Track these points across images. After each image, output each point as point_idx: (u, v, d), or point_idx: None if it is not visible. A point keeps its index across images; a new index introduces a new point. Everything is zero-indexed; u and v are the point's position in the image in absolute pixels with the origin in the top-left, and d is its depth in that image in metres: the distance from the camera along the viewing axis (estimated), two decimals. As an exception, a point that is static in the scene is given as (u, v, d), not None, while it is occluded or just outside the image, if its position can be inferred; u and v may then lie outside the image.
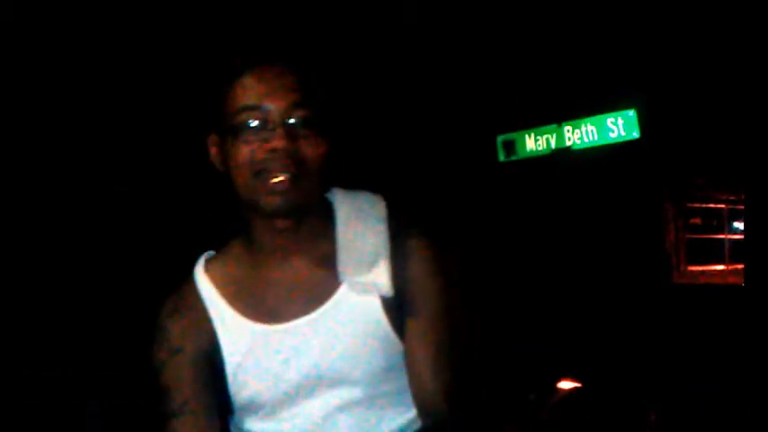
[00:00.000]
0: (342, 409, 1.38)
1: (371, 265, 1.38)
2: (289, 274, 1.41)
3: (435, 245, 1.46)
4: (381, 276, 1.37)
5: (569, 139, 8.64)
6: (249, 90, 1.34)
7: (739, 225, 13.86)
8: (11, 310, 6.06)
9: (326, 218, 1.45)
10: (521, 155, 9.05)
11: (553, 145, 8.77)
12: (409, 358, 1.40)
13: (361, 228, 1.42)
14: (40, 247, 6.55)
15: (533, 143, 8.97)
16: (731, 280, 12.47)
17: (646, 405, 5.27)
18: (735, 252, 13.63)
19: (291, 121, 1.33)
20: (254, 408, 1.41)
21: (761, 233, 7.88)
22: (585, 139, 8.53)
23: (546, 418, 4.94)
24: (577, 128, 8.59)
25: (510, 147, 9.13)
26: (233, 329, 1.40)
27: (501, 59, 8.33)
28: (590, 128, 8.50)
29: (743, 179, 9.17)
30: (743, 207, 12.35)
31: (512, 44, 8.18)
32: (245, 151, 1.33)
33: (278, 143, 1.31)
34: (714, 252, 13.48)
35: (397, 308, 1.38)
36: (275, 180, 1.31)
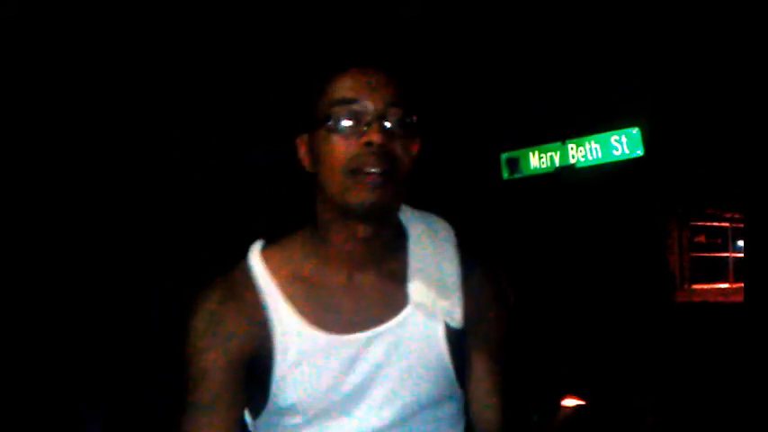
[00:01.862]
0: (383, 428, 1.35)
1: (444, 291, 1.36)
2: (357, 285, 1.38)
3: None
4: (455, 306, 1.36)
5: (573, 156, 8.64)
6: (347, 86, 1.33)
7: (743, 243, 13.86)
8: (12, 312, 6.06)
9: (398, 233, 1.43)
10: (524, 172, 9.05)
11: (557, 163, 8.76)
12: (475, 388, 1.41)
13: (433, 251, 1.41)
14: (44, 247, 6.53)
15: (537, 161, 8.97)
16: (735, 299, 12.42)
17: (649, 422, 5.25)
18: (739, 270, 13.59)
19: (387, 119, 1.31)
20: (293, 412, 1.36)
21: (761, 251, 7.89)
22: (589, 157, 8.53)
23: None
24: (581, 145, 8.59)
25: (514, 164, 9.13)
26: (290, 332, 1.35)
27: (505, 77, 8.35)
28: (594, 146, 8.50)
29: (746, 197, 9.17)
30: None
31: (516, 62, 8.20)
32: (340, 145, 1.30)
33: (374, 137, 1.28)
34: (718, 270, 13.45)
35: (458, 338, 1.37)
36: (370, 176, 1.28)
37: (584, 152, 8.57)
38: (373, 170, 1.28)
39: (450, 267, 1.39)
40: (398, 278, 1.38)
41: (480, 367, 1.40)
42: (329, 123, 1.31)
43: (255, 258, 1.41)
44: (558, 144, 8.77)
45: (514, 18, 7.65)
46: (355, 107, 1.31)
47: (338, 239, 1.37)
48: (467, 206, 8.79)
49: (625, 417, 5.27)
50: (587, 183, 8.68)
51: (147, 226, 6.78)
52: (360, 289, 1.38)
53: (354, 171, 1.29)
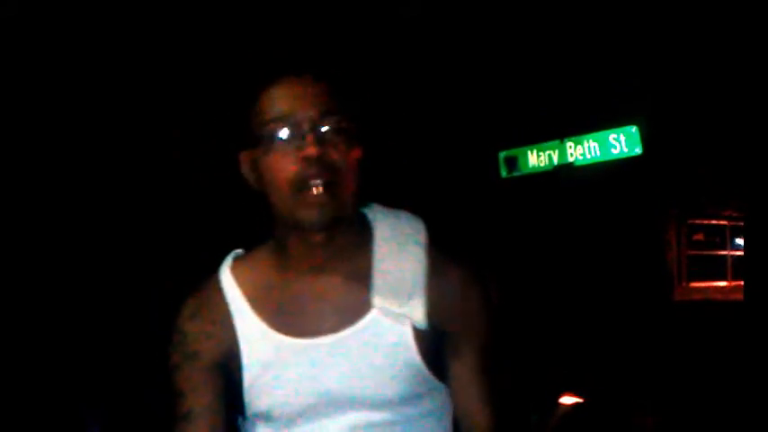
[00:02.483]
0: (357, 431, 1.36)
1: (407, 294, 1.35)
2: (320, 289, 1.38)
3: (479, 276, 1.44)
4: (417, 310, 1.34)
5: (571, 155, 8.65)
6: (278, 100, 1.32)
7: (742, 241, 13.87)
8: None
9: (363, 233, 1.42)
10: (523, 171, 9.06)
11: (555, 161, 8.78)
12: (459, 393, 1.40)
13: (399, 251, 1.39)
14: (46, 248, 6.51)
15: (536, 159, 8.99)
16: (733, 297, 12.43)
17: (647, 419, 5.27)
18: (737, 268, 13.60)
19: (323, 129, 1.31)
20: (268, 419, 1.39)
21: (760, 249, 7.90)
22: (588, 156, 8.55)
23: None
24: (579, 144, 8.60)
25: (512, 163, 9.14)
26: (256, 338, 1.37)
27: (503, 76, 8.36)
28: (592, 144, 8.51)
29: (745, 195, 9.17)
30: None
31: (514, 60, 8.21)
32: (279, 163, 1.30)
33: (311, 150, 1.28)
34: (716, 268, 13.45)
35: (431, 338, 1.36)
36: (313, 194, 1.29)
37: (583, 150, 8.58)
38: (315, 182, 1.28)
39: (415, 267, 1.37)
40: (362, 280, 1.37)
41: (463, 372, 1.39)
42: (266, 141, 1.32)
43: (225, 271, 1.44)
44: (557, 142, 8.79)
45: (513, 17, 7.66)
46: (288, 123, 1.31)
47: (295, 248, 1.37)
48: (466, 204, 8.80)
49: (623, 415, 5.28)
50: (586, 181, 8.68)
51: (147, 226, 6.79)
52: (323, 293, 1.37)
53: (299, 188, 1.29)
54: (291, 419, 1.37)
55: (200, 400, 1.39)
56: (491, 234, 8.65)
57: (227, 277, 1.43)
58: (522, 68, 8.33)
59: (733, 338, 7.37)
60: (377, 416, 1.35)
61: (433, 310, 1.34)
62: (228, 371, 1.39)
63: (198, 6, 6.35)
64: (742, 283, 11.53)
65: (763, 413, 5.55)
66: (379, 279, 1.36)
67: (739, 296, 11.58)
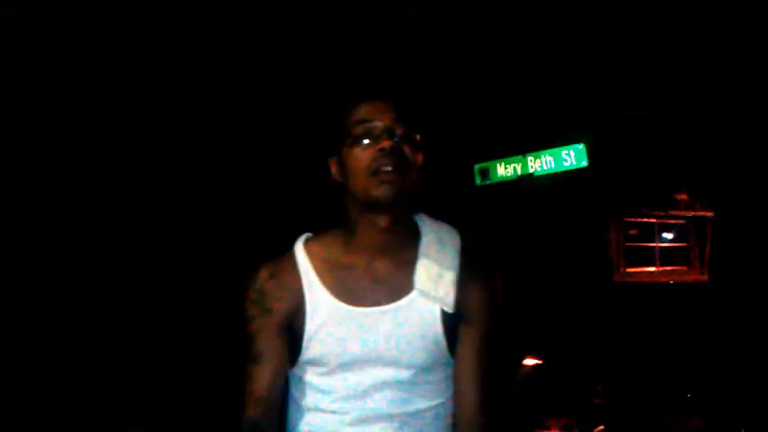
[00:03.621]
0: (386, 384, 1.41)
1: (443, 282, 1.41)
2: (375, 270, 1.44)
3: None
4: (447, 297, 1.41)
5: (532, 167, 8.70)
6: (363, 112, 1.42)
7: (667, 235, 13.98)
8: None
9: (413, 232, 1.49)
10: (493, 180, 9.10)
11: (519, 172, 8.82)
12: (459, 369, 1.45)
13: (439, 249, 1.46)
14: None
15: (503, 170, 9.04)
16: (661, 279, 12.55)
17: (594, 379, 5.23)
18: (664, 257, 13.74)
19: (394, 131, 1.39)
20: (318, 364, 1.44)
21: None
22: (545, 167, 8.61)
23: (515, 388, 4.94)
24: (538, 158, 8.67)
25: (485, 173, 9.19)
26: (319, 301, 1.43)
27: (479, 101, 8.34)
28: (548, 158, 8.58)
29: (669, 199, 9.12)
30: (671, 221, 12.33)
31: (488, 88, 8.18)
32: (361, 154, 1.39)
33: (385, 144, 1.37)
34: (647, 257, 13.53)
35: (452, 319, 1.42)
36: (386, 174, 1.36)
37: (541, 163, 8.63)
38: (387, 168, 1.36)
39: (450, 263, 1.44)
40: (409, 267, 1.43)
41: (465, 352, 1.45)
42: (352, 139, 1.40)
43: (299, 246, 1.50)
44: (520, 156, 8.83)
45: (484, 48, 7.59)
46: (369, 125, 1.39)
47: (363, 230, 1.43)
48: (448, 207, 8.79)
49: (574, 374, 5.24)
50: (543, 188, 8.73)
51: (146, 226, 6.34)
52: (377, 273, 1.44)
53: (374, 172, 1.37)
54: (335, 369, 1.42)
55: (269, 345, 1.45)
56: (469, 231, 8.60)
57: (300, 252, 1.48)
58: (494, 95, 8.31)
59: (661, 312, 7.37)
60: (403, 375, 1.41)
61: (458, 300, 1.41)
62: (292, 325, 1.44)
63: (200, 8, 6.01)
64: (668, 268, 11.57)
65: (683, 373, 5.50)
66: (421, 268, 1.42)
67: (666, 278, 11.59)
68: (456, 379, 1.45)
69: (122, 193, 6.34)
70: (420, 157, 1.42)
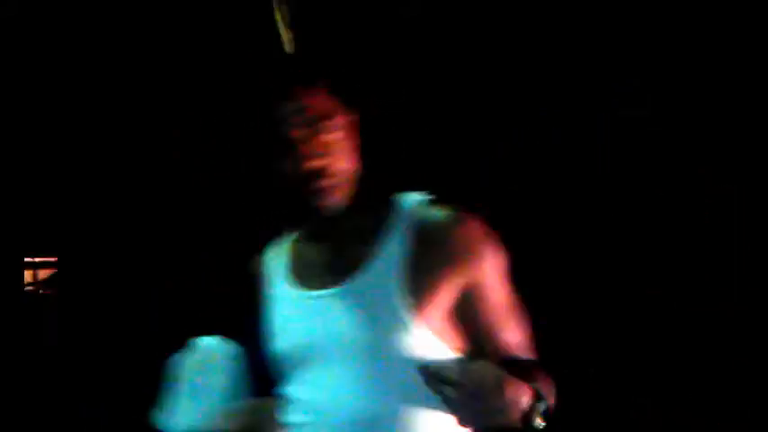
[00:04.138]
0: (356, 377, 1.28)
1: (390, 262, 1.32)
2: (328, 256, 1.40)
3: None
4: (401, 276, 1.28)
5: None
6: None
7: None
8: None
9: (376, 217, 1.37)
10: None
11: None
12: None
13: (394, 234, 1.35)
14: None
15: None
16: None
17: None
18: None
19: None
20: (283, 361, 1.40)
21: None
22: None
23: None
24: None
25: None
26: (277, 287, 1.46)
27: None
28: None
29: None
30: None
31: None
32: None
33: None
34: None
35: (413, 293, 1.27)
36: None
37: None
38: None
39: (399, 250, 1.30)
40: (371, 238, 1.32)
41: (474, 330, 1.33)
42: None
43: (270, 247, 1.55)
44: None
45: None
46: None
47: (309, 223, 1.49)
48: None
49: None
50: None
51: (146, 226, 6.32)
52: (331, 257, 1.39)
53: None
54: (300, 363, 1.35)
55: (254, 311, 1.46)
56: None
57: (270, 249, 1.53)
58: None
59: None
60: (366, 363, 1.28)
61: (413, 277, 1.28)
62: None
63: (196, 7, 5.98)
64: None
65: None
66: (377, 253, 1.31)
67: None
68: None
69: (122, 193, 6.38)
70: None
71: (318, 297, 1.32)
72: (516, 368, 1.23)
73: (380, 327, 1.23)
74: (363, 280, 1.28)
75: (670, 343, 6.19)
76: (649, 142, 8.34)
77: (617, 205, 9.93)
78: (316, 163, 1.27)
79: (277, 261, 1.49)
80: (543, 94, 8.47)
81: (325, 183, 1.28)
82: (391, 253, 1.25)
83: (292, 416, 1.35)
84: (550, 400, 1.33)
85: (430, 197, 1.36)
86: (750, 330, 6.80)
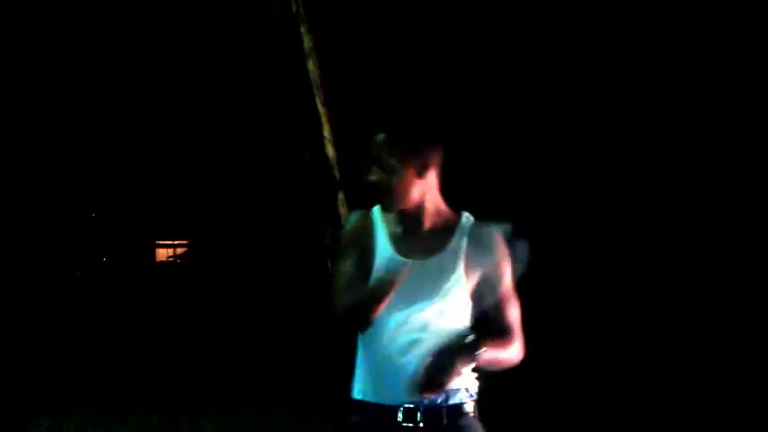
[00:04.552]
0: (421, 317, 1.73)
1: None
2: (421, 235, 1.79)
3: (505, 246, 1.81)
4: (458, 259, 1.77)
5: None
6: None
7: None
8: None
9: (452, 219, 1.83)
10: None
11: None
12: (494, 308, 1.78)
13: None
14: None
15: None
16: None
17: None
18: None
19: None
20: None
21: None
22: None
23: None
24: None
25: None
26: (382, 249, 1.78)
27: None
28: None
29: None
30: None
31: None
32: None
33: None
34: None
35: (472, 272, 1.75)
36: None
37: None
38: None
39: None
40: (444, 235, 1.79)
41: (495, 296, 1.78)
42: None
43: (377, 209, 1.83)
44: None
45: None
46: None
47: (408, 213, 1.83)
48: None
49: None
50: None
51: (146, 226, 6.59)
52: (422, 237, 1.78)
53: None
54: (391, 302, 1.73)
55: (347, 263, 1.80)
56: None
57: (377, 213, 1.82)
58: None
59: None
60: (429, 308, 1.73)
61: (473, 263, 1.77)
62: (366, 260, 1.79)
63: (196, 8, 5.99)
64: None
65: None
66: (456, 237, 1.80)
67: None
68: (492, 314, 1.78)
69: (122, 193, 6.51)
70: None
71: (414, 262, 1.75)
72: (498, 331, 1.77)
73: (446, 286, 1.75)
74: (440, 258, 1.77)
75: (670, 343, 6.19)
76: (649, 142, 8.36)
77: (617, 205, 9.90)
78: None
79: (382, 222, 1.84)
80: (543, 94, 8.48)
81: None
82: (456, 246, 1.78)
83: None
84: (497, 360, 1.75)
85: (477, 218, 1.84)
86: (750, 330, 6.76)
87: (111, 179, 10.62)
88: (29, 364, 5.62)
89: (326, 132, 4.29)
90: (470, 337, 1.62)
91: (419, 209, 1.77)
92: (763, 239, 7.75)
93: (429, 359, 1.61)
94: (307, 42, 4.27)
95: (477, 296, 1.76)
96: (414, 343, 1.71)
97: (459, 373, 1.63)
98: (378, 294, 1.68)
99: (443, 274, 1.74)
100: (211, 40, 6.27)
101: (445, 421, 1.71)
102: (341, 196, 4.14)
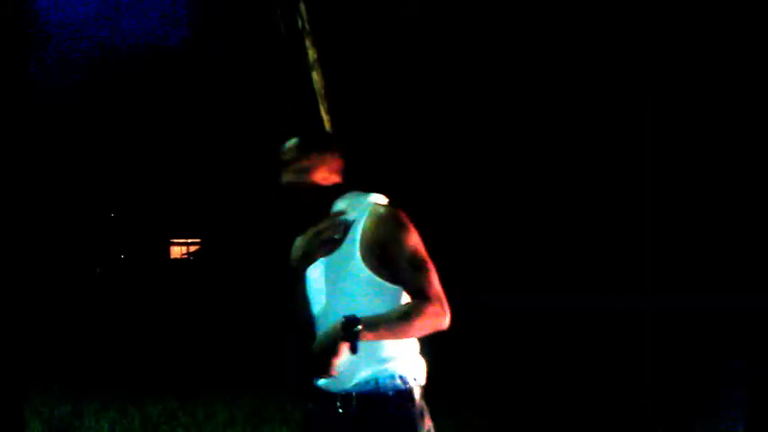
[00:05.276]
0: (333, 300, 1.74)
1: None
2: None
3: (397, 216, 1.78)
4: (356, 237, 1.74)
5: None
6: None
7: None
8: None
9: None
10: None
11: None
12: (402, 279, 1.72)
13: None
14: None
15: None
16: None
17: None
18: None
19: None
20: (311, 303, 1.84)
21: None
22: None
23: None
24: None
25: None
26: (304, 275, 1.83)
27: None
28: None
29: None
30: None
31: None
32: None
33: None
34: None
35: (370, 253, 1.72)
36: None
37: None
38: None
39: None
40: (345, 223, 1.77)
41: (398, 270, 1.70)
42: None
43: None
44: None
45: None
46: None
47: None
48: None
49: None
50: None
51: (161, 225, 6.74)
52: (325, 231, 1.78)
53: None
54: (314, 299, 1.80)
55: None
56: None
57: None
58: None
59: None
60: (338, 287, 1.73)
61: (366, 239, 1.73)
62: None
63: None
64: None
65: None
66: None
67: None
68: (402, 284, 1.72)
69: (139, 195, 6.67)
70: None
71: (319, 263, 1.78)
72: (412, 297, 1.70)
73: (348, 276, 1.73)
74: (340, 249, 1.74)
75: (670, 343, 6.12)
76: (649, 142, 8.33)
77: (617, 205, 9.82)
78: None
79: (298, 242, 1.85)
80: (543, 94, 8.48)
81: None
82: (354, 231, 1.74)
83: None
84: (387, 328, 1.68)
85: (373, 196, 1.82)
86: (750, 330, 6.61)
87: (128, 182, 11.04)
88: (49, 353, 5.84)
89: None
90: (345, 319, 1.59)
91: (324, 200, 1.76)
92: (763, 240, 7.65)
93: (313, 344, 1.64)
94: (311, 55, 4.56)
95: (385, 270, 1.69)
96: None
97: (342, 354, 1.59)
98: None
99: (344, 261, 1.72)
100: (224, 51, 6.44)
101: (383, 408, 1.65)
102: None
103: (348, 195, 1.82)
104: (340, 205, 1.80)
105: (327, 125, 4.49)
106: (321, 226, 1.76)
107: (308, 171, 1.80)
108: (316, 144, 1.81)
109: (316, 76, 4.50)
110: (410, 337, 1.70)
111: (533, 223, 9.19)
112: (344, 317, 1.61)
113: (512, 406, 4.72)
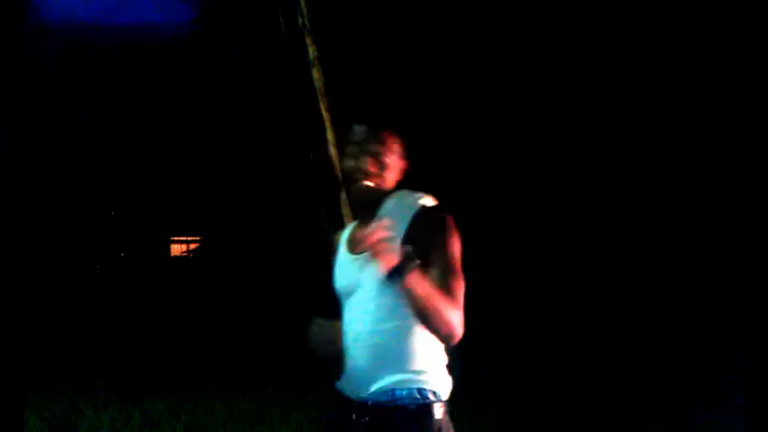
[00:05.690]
0: (367, 303, 1.67)
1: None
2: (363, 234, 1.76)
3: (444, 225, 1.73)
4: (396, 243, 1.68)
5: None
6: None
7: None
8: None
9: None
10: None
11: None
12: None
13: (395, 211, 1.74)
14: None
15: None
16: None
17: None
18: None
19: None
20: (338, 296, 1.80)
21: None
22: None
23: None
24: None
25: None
26: (340, 252, 1.80)
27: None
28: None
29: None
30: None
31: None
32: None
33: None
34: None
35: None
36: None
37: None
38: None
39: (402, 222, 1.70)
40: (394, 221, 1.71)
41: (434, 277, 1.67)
42: None
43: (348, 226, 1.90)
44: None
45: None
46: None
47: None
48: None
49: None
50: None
51: (161, 223, 6.81)
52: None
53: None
54: (342, 296, 1.76)
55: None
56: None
57: (350, 225, 1.88)
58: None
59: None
60: (375, 297, 1.66)
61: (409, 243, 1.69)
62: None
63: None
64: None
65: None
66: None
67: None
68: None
69: (139, 193, 6.72)
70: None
71: (356, 258, 1.72)
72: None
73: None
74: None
75: (669, 343, 6.11)
76: (649, 142, 8.34)
77: (617, 205, 9.81)
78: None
79: (344, 234, 1.84)
80: (543, 94, 8.49)
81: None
82: (398, 230, 1.65)
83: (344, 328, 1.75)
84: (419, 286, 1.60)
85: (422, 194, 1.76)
86: (750, 330, 6.59)
87: (128, 180, 11.10)
88: (49, 351, 5.86)
89: (330, 136, 4.53)
90: (407, 253, 1.56)
91: (380, 195, 1.70)
92: (763, 241, 7.61)
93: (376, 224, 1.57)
94: (311, 52, 4.55)
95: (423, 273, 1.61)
96: (359, 337, 1.65)
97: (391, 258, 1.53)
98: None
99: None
100: (224, 50, 6.46)
101: (397, 421, 1.58)
102: (343, 196, 4.32)
103: (398, 194, 1.74)
104: (390, 203, 1.72)
105: (327, 123, 4.49)
106: (375, 224, 1.62)
107: (380, 156, 1.71)
108: (388, 132, 1.75)
109: (316, 73, 4.49)
110: (428, 314, 1.60)
111: (533, 218, 9.12)
112: (407, 251, 1.58)
113: (510, 406, 4.77)
